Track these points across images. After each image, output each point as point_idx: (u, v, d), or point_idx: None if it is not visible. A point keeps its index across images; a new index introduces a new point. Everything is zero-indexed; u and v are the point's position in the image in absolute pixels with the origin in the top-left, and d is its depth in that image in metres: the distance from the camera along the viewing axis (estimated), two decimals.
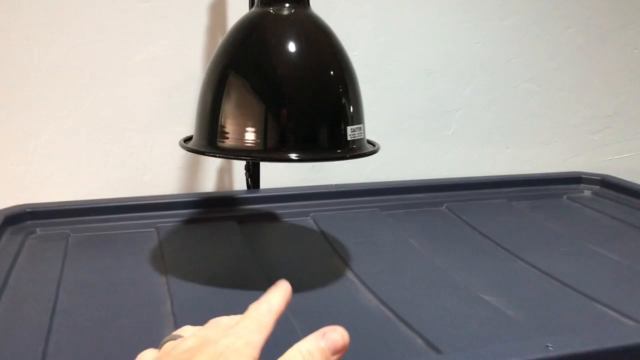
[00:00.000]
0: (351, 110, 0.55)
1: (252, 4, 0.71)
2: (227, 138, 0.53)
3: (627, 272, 0.63)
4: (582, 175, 0.92)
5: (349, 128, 0.54)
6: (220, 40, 0.78)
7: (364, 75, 0.89)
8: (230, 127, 0.53)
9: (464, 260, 0.66)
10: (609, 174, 0.96)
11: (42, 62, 0.76)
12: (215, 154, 0.53)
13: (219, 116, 0.53)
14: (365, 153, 0.56)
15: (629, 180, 0.91)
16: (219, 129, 0.53)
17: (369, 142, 0.60)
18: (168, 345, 0.33)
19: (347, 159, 0.55)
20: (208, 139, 0.54)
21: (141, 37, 0.79)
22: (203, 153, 0.54)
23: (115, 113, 0.80)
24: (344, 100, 0.55)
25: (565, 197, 0.89)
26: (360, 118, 0.56)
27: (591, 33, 0.99)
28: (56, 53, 0.76)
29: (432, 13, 0.90)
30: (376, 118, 0.91)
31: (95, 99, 0.79)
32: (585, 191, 0.90)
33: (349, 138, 0.54)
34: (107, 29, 0.77)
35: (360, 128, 0.56)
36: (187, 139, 0.58)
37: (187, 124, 0.81)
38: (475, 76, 0.95)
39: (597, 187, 0.91)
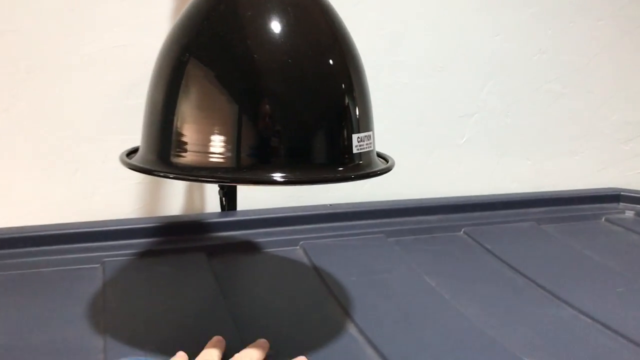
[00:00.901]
0: (357, 111, 0.40)
1: None
2: (185, 151, 0.38)
3: None
4: (622, 193, 0.79)
5: (354, 137, 0.39)
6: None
7: (366, 71, 0.74)
8: (189, 135, 0.38)
9: (495, 306, 0.52)
10: None
11: None
12: (167, 174, 0.38)
13: (173, 121, 0.38)
14: (375, 172, 0.41)
15: None
16: (173, 138, 0.38)
17: (380, 155, 0.46)
18: None
19: (353, 179, 0.40)
20: (158, 153, 0.39)
21: (90, 24, 0.64)
22: (150, 172, 0.39)
23: (58, 117, 0.65)
24: (347, 98, 0.40)
25: (603, 218, 0.75)
26: (369, 123, 0.42)
27: (625, 26, 0.86)
28: None
29: (444, 1, 0.76)
30: (377, 123, 0.76)
31: (33, 100, 0.64)
32: (626, 212, 0.77)
33: (354, 150, 0.40)
34: (49, 15, 0.62)
35: (369, 137, 0.41)
36: (133, 152, 0.43)
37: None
38: (492, 75, 0.81)
39: None
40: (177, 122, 0.38)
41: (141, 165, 0.39)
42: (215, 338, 0.42)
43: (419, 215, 0.70)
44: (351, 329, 0.47)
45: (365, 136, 0.40)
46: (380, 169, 0.41)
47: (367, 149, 0.41)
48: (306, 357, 0.41)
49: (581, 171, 0.89)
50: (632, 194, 0.78)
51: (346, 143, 0.39)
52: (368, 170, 0.40)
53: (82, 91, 0.65)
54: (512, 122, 0.84)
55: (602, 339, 0.47)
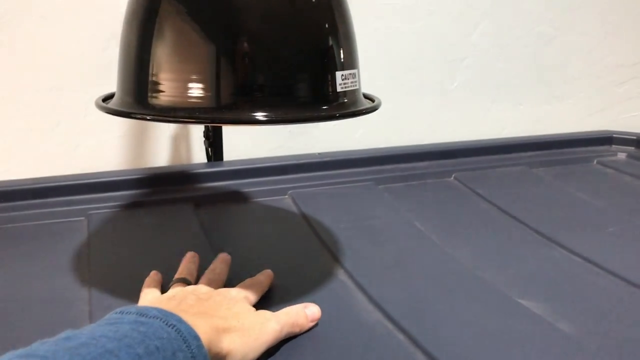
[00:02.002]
0: (341, 48, 0.38)
1: None
2: (162, 92, 0.36)
3: None
4: (614, 135, 0.78)
5: (338, 74, 0.38)
6: None
7: (352, 15, 0.72)
8: (166, 76, 0.36)
9: (487, 249, 0.51)
10: (636, 130, 0.81)
11: None
12: (144, 116, 0.36)
13: (149, 61, 0.36)
14: (361, 110, 0.40)
15: None
16: (150, 79, 0.37)
17: (366, 95, 0.44)
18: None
19: (337, 118, 0.39)
20: (135, 95, 0.37)
21: None
22: (128, 115, 0.37)
23: (37, 69, 0.62)
24: (330, 36, 0.38)
25: (595, 161, 0.74)
26: (354, 60, 0.40)
27: None
28: None
29: None
30: (366, 69, 0.74)
31: (9, 49, 0.61)
32: (618, 154, 0.76)
33: (338, 88, 0.38)
34: None
35: (354, 75, 0.40)
36: (110, 97, 0.41)
37: None
38: (483, 18, 0.79)
39: (632, 148, 0.76)
40: (153, 63, 0.36)
41: (118, 108, 0.38)
42: (190, 254, 0.46)
43: (409, 162, 0.69)
44: (341, 275, 0.47)
45: (350, 74, 0.39)
46: (365, 107, 0.40)
47: (352, 87, 0.39)
48: (297, 303, 0.41)
49: (575, 115, 0.87)
50: (624, 136, 0.77)
51: (330, 81, 0.38)
52: (353, 109, 0.39)
53: (60, 42, 0.63)
54: (504, 66, 0.82)
55: (594, 278, 0.46)
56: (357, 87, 0.40)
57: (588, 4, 0.83)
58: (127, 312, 0.30)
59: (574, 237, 0.53)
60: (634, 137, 0.77)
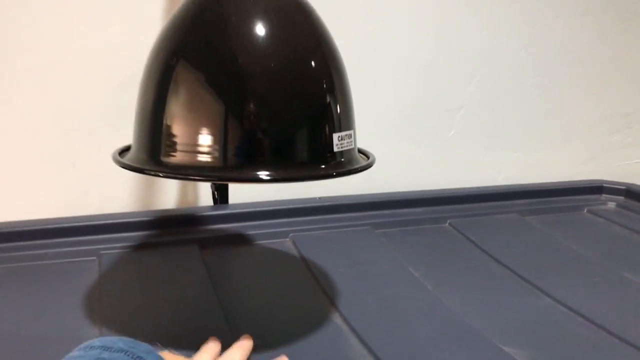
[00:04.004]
0: (339, 112, 0.42)
1: None
2: (175, 150, 0.40)
3: None
4: (604, 184, 0.81)
5: (335, 136, 0.41)
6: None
7: (352, 67, 0.75)
8: (178, 136, 0.40)
9: (476, 296, 0.54)
10: (630, 180, 0.84)
11: None
12: (157, 173, 0.40)
13: (162, 121, 0.40)
14: (356, 169, 0.43)
15: None
16: (163, 138, 0.40)
17: (361, 151, 0.48)
18: None
19: (334, 177, 0.42)
20: (149, 152, 0.41)
21: (85, 21, 0.65)
22: (142, 171, 0.40)
23: (53, 112, 0.66)
24: (329, 99, 0.41)
25: (585, 210, 0.77)
26: (350, 122, 0.43)
27: (610, 20, 0.87)
28: None
29: None
30: (366, 117, 0.78)
31: (29, 96, 0.65)
32: (608, 203, 0.79)
33: (335, 149, 0.41)
34: (44, 13, 0.63)
35: (350, 135, 0.43)
36: (125, 150, 0.45)
37: None
38: (479, 69, 0.83)
39: (622, 197, 0.79)
40: (167, 123, 0.40)
41: (133, 164, 0.41)
42: (212, 342, 0.43)
43: (406, 208, 0.72)
44: (336, 319, 0.49)
45: (346, 135, 0.42)
46: (360, 166, 0.43)
47: (348, 147, 0.43)
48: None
49: (568, 163, 0.91)
50: (614, 186, 0.80)
51: (328, 142, 0.41)
52: (349, 168, 0.42)
53: (76, 87, 0.67)
54: (499, 115, 0.86)
55: (577, 327, 0.49)
56: (352, 146, 0.44)
57: (581, 58, 0.87)
58: (90, 347, 0.29)
59: (560, 285, 0.55)
60: (624, 187, 0.80)
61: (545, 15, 0.84)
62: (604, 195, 0.80)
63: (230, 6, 0.40)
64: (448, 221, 0.71)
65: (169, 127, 0.40)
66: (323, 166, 0.41)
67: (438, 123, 0.83)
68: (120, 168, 0.42)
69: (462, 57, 0.81)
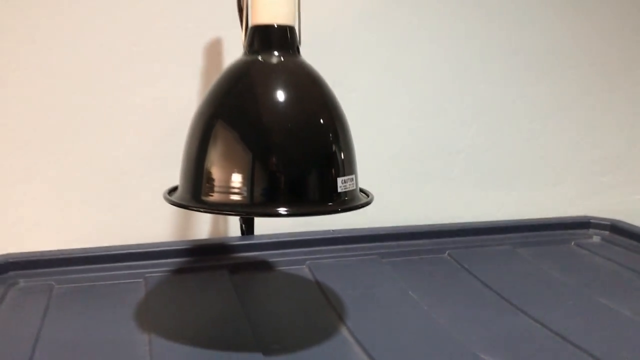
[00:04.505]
0: (342, 160, 0.52)
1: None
2: (212, 191, 0.51)
3: (638, 331, 0.60)
4: (591, 220, 0.89)
5: (339, 179, 0.52)
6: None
7: (364, 115, 0.87)
8: (215, 179, 0.50)
9: (464, 314, 0.63)
10: (620, 217, 0.92)
11: (32, 106, 0.74)
12: (198, 209, 0.51)
13: (203, 168, 0.51)
14: (357, 205, 0.53)
15: (637, 222, 0.88)
16: (203, 181, 0.51)
17: (363, 191, 0.58)
18: None
19: (339, 212, 0.52)
20: (192, 192, 0.52)
21: (133, 80, 0.77)
22: (186, 207, 0.51)
23: (106, 158, 0.78)
24: (334, 149, 0.52)
25: (573, 243, 0.85)
26: (352, 168, 0.54)
27: (598, 71, 0.97)
28: (47, 97, 0.74)
29: (433, 53, 0.88)
30: (377, 159, 0.89)
31: (85, 143, 0.77)
32: (594, 237, 0.87)
33: (339, 190, 0.52)
34: (100, 72, 0.76)
35: (352, 179, 0.53)
36: (173, 190, 0.56)
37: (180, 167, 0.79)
38: (477, 118, 0.93)
39: (607, 232, 0.87)
40: (207, 169, 0.51)
41: (180, 202, 0.52)
42: None
43: (410, 240, 0.82)
44: (344, 332, 0.59)
45: (349, 179, 0.53)
46: (360, 203, 0.53)
47: (350, 189, 0.53)
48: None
49: (562, 201, 0.99)
50: (600, 221, 0.88)
51: (333, 184, 0.51)
52: (351, 205, 0.53)
53: (126, 136, 0.78)
54: (497, 158, 0.95)
55: (550, 343, 0.57)
56: (354, 187, 0.54)
57: (569, 107, 0.96)
58: None
59: (540, 308, 0.64)
60: (608, 223, 0.88)
61: (537, 68, 0.94)
62: (591, 229, 0.88)
63: (257, 79, 0.52)
64: (447, 252, 0.80)
65: (208, 172, 0.51)
66: (330, 204, 0.52)
67: (441, 165, 0.93)
68: (168, 204, 0.53)
69: (462, 107, 0.91)
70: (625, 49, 0.97)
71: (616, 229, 0.87)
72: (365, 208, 0.84)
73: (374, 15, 0.84)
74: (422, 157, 0.91)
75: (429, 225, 0.85)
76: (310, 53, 0.81)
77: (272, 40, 0.53)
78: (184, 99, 0.79)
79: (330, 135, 0.52)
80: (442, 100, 0.90)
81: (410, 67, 0.88)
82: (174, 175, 0.71)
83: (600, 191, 1.00)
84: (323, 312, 0.63)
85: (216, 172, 0.50)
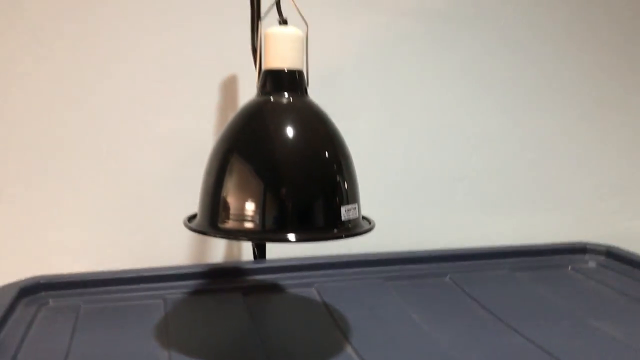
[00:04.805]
0: (345, 190, 0.58)
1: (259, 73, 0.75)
2: (228, 219, 0.56)
3: (627, 352, 0.63)
4: (587, 246, 0.93)
5: (343, 208, 0.57)
6: (230, 116, 0.83)
7: (371, 145, 0.92)
8: (230, 208, 0.56)
9: (463, 335, 0.67)
10: (618, 242, 0.96)
11: (61, 137, 0.80)
12: (215, 235, 0.56)
13: (220, 198, 0.56)
14: (359, 232, 0.58)
15: (636, 247, 0.92)
16: (220, 209, 0.56)
17: (365, 218, 0.63)
18: None
19: (343, 238, 0.57)
20: (210, 220, 0.57)
21: (155, 113, 0.83)
22: (205, 233, 0.57)
23: (129, 185, 0.84)
24: (338, 181, 0.57)
25: (569, 267, 0.89)
26: (355, 197, 0.59)
27: (594, 102, 1.02)
28: (75, 129, 0.81)
29: (434, 86, 0.94)
30: (382, 187, 0.94)
31: (111, 172, 0.83)
32: (590, 262, 0.91)
33: (343, 218, 0.57)
34: (123, 106, 0.82)
35: (354, 207, 0.58)
36: (192, 217, 0.61)
37: (198, 194, 0.85)
38: (479, 147, 0.97)
39: (603, 257, 0.91)
40: (223, 198, 0.56)
41: (198, 228, 0.57)
42: None
43: (413, 264, 0.86)
44: (349, 350, 0.63)
45: (352, 207, 0.58)
46: (363, 229, 0.58)
47: (353, 217, 0.58)
48: None
49: (561, 227, 1.03)
50: (596, 247, 0.92)
51: (338, 212, 0.56)
52: (354, 232, 0.58)
53: (148, 164, 0.84)
54: (498, 184, 1.00)
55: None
56: (357, 215, 0.59)
57: (567, 136, 1.01)
58: None
59: (534, 329, 0.68)
60: (604, 248, 0.92)
61: (534, 100, 0.99)
62: (587, 255, 0.92)
63: (269, 118, 0.57)
64: (448, 275, 0.84)
65: (224, 202, 0.56)
66: (335, 230, 0.57)
67: (444, 191, 0.97)
68: (183, 227, 0.58)
69: (463, 137, 0.96)
70: (620, 80, 1.02)
71: (611, 254, 0.91)
72: (370, 233, 0.89)
73: (377, 54, 0.90)
74: (425, 184, 0.96)
75: (431, 250, 0.90)
76: (318, 89, 0.87)
77: (283, 83, 0.59)
78: (202, 131, 0.85)
79: (335, 167, 0.57)
80: (443, 130, 0.95)
81: (412, 100, 0.93)
82: (192, 201, 0.76)
83: (597, 217, 1.04)
84: (330, 332, 0.67)
85: (231, 202, 0.56)
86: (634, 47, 1.02)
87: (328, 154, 0.58)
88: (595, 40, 1.00)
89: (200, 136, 0.85)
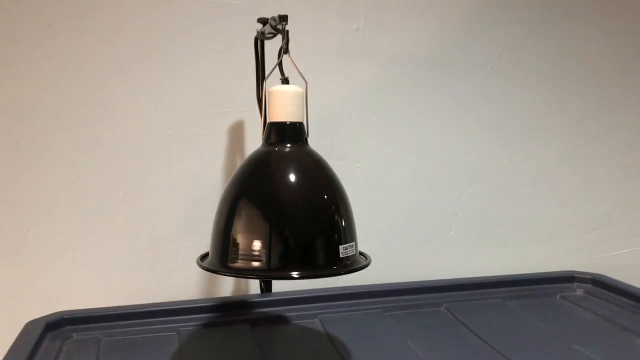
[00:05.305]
0: (343, 229, 0.64)
1: (264, 125, 0.82)
2: (237, 258, 0.62)
3: None
4: (575, 275, 0.98)
5: (341, 247, 0.63)
6: (236, 160, 0.90)
7: (368, 183, 0.99)
8: (239, 249, 0.62)
9: None
10: (604, 271, 1.01)
11: (82, 183, 0.87)
12: (225, 273, 0.62)
13: (230, 239, 0.63)
14: (356, 268, 0.64)
15: (625, 276, 0.97)
16: (230, 250, 0.62)
17: (362, 254, 0.69)
18: None
19: (341, 274, 0.63)
20: (220, 259, 0.63)
21: (168, 158, 0.90)
22: (216, 272, 0.63)
23: (145, 225, 0.90)
24: (336, 222, 0.63)
25: (558, 296, 0.94)
26: (352, 236, 0.65)
27: (579, 139, 1.08)
28: (95, 175, 0.87)
29: (429, 127, 1.00)
30: (380, 221, 1.00)
31: (128, 213, 0.89)
32: (577, 290, 0.96)
33: (341, 255, 0.63)
34: (139, 152, 0.89)
35: (352, 245, 0.64)
36: (204, 256, 0.68)
37: (208, 233, 0.91)
38: (471, 182, 1.04)
39: (590, 285, 0.96)
40: (232, 239, 0.62)
41: (210, 267, 0.63)
42: None
43: (410, 295, 0.92)
44: None
45: (349, 245, 0.64)
46: (359, 266, 0.64)
47: (351, 254, 0.64)
48: None
49: (552, 256, 1.09)
50: (583, 275, 0.98)
51: (336, 251, 0.63)
52: (351, 268, 0.63)
53: (162, 205, 0.91)
54: (490, 218, 1.06)
55: None
56: (354, 253, 0.65)
57: (557, 171, 1.07)
58: None
59: (522, 354, 0.73)
60: (590, 277, 0.97)
61: (523, 138, 1.05)
62: (575, 283, 0.98)
63: (273, 166, 0.64)
64: (443, 305, 0.90)
65: (234, 242, 0.62)
66: (334, 267, 0.63)
67: (439, 225, 1.03)
68: (194, 264, 0.64)
69: (457, 173, 1.03)
70: (605, 115, 1.09)
71: (598, 282, 0.96)
72: (371, 266, 0.95)
73: (374, 97, 0.97)
74: (420, 218, 1.02)
75: (427, 281, 0.95)
76: (320, 131, 0.95)
77: (285, 134, 0.65)
78: (211, 173, 0.92)
79: (333, 210, 0.64)
80: (437, 168, 1.02)
81: (407, 140, 1.00)
82: (203, 240, 0.83)
83: (584, 248, 1.09)
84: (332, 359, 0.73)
85: (240, 242, 0.62)
86: (612, 88, 1.09)
87: (327, 198, 0.64)
88: (578, 80, 1.07)
89: (208, 178, 0.91)
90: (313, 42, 0.93)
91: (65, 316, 0.79)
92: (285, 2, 0.90)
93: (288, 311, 0.86)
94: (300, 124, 0.66)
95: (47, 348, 0.73)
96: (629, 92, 1.09)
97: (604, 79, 1.08)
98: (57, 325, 0.78)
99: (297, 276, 0.61)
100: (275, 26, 0.70)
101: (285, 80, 0.66)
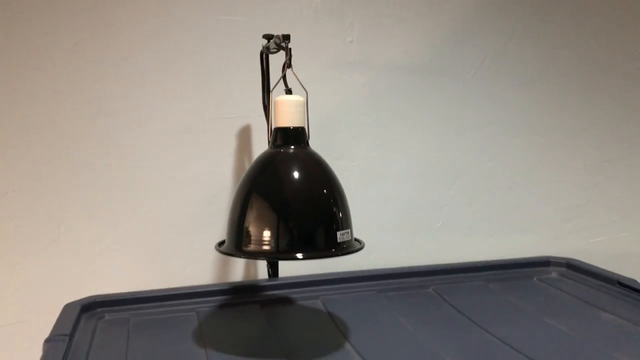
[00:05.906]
0: (340, 218, 0.74)
1: (270, 131, 0.93)
2: (250, 243, 0.73)
3: (570, 342, 0.79)
4: (550, 259, 1.09)
5: (338, 233, 0.74)
6: (245, 161, 1.00)
7: (363, 180, 1.09)
8: (251, 235, 0.73)
9: (442, 334, 0.83)
10: (581, 257, 1.12)
11: (106, 182, 0.98)
12: (240, 256, 0.73)
13: (243, 227, 0.73)
14: (352, 251, 0.75)
15: (599, 262, 1.08)
16: (243, 236, 0.73)
17: (357, 240, 0.79)
18: None
19: (339, 256, 0.74)
20: (235, 244, 0.74)
21: (185, 159, 1.01)
22: (232, 255, 0.73)
23: (164, 219, 1.01)
24: (334, 212, 0.74)
25: (535, 278, 1.05)
26: (348, 224, 0.76)
27: (556, 137, 1.18)
28: (118, 176, 0.98)
29: (418, 128, 1.11)
30: (375, 214, 1.11)
31: (149, 209, 1.00)
32: (553, 273, 1.07)
33: (339, 240, 0.74)
34: (158, 154, 1.00)
35: (347, 232, 0.75)
36: (221, 243, 0.78)
37: (220, 226, 1.02)
38: (457, 178, 1.14)
39: (564, 269, 1.07)
40: (245, 228, 0.73)
41: (227, 251, 0.74)
42: None
43: (402, 278, 1.02)
44: (348, 347, 0.79)
45: (345, 232, 0.75)
46: (355, 249, 0.75)
47: (347, 239, 0.75)
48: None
49: (532, 244, 1.19)
50: (558, 260, 1.08)
51: (334, 236, 0.73)
52: (348, 250, 0.74)
53: (179, 202, 1.02)
54: (475, 210, 1.16)
55: (502, 352, 0.76)
56: (350, 238, 0.76)
57: (535, 166, 1.18)
58: None
59: (500, 328, 0.83)
60: (564, 261, 1.08)
61: (505, 137, 1.16)
62: (550, 267, 1.08)
63: (279, 166, 0.75)
64: (432, 287, 1.00)
65: (247, 230, 0.73)
66: (333, 250, 0.73)
67: (428, 217, 1.14)
68: (211, 255, 0.75)
69: (444, 170, 1.13)
70: (580, 115, 1.19)
71: (571, 266, 1.06)
72: (367, 253, 1.06)
73: (368, 103, 1.08)
74: (412, 211, 1.13)
75: (417, 266, 1.06)
76: (320, 133, 1.05)
77: (289, 138, 0.76)
78: (222, 173, 1.02)
79: (331, 202, 0.74)
80: (426, 165, 1.12)
81: (399, 140, 1.10)
82: (216, 232, 0.94)
83: (560, 236, 1.20)
84: (332, 334, 0.83)
85: (252, 230, 0.73)
86: (587, 89, 1.19)
87: (326, 192, 0.75)
88: (555, 83, 1.17)
89: (220, 177, 1.02)
90: (312, 54, 1.03)
91: (98, 299, 0.90)
92: (285, 17, 1.01)
93: (293, 293, 0.97)
94: (302, 129, 0.77)
95: (84, 327, 0.84)
96: (602, 92, 1.20)
97: (579, 81, 1.18)
98: (90, 307, 0.89)
99: (301, 257, 0.71)
100: (280, 44, 0.81)
101: (288, 91, 0.77)
